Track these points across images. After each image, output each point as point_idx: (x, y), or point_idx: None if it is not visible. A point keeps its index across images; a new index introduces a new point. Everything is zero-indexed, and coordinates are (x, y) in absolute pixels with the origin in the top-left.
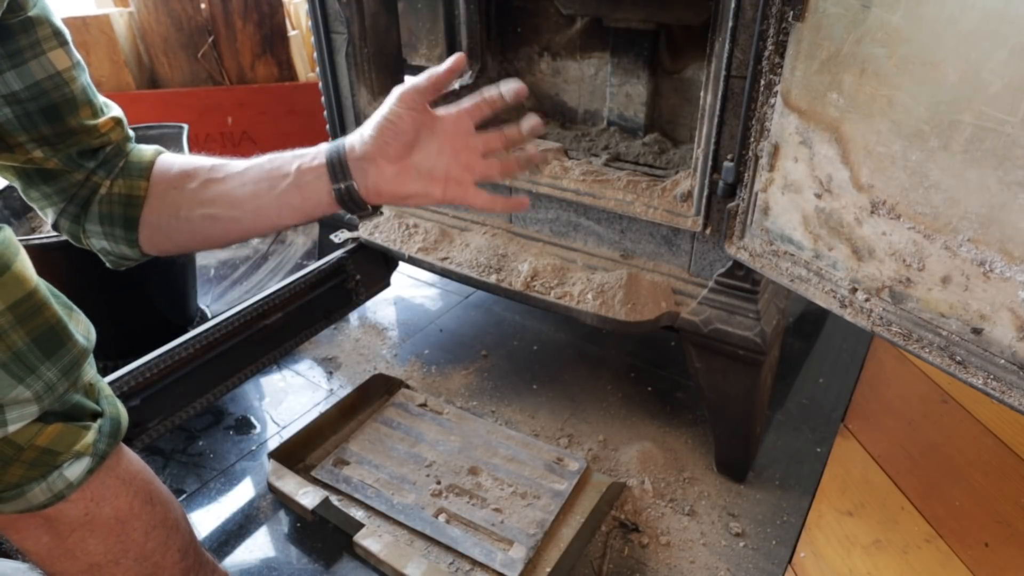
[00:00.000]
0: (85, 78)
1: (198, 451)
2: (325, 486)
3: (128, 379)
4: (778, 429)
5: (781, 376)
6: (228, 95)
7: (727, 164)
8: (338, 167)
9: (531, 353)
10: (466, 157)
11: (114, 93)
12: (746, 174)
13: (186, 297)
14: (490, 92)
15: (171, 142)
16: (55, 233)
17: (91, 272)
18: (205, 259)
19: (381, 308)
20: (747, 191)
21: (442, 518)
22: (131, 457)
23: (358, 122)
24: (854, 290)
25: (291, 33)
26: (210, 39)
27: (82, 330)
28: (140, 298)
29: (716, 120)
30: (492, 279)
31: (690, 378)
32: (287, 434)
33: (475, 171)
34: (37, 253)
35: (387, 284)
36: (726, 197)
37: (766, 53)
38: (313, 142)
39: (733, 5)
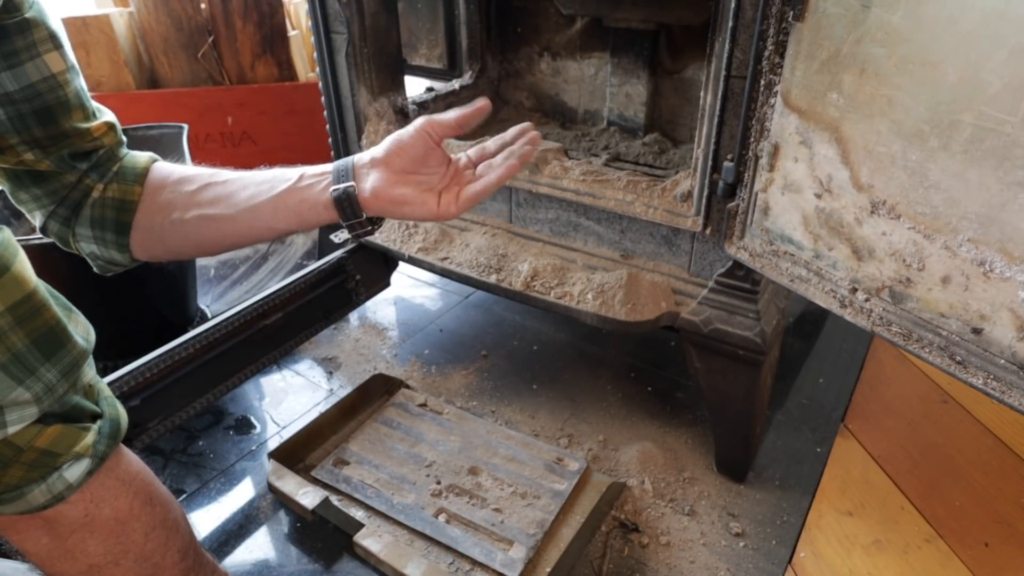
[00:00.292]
0: (79, 82)
1: (198, 451)
2: (325, 486)
3: (128, 379)
4: (778, 429)
5: (781, 376)
6: (228, 95)
7: (727, 164)
8: (343, 172)
9: (531, 353)
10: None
11: (114, 93)
12: (746, 174)
13: (186, 297)
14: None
15: (171, 142)
16: None
17: (90, 273)
18: (205, 259)
19: (381, 308)
20: (747, 191)
21: (442, 518)
22: (131, 458)
23: (358, 122)
24: (854, 290)
25: (291, 33)
26: (210, 39)
27: (81, 331)
28: (140, 298)
29: (716, 120)
30: (492, 279)
31: (690, 378)
32: (287, 434)
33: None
34: (36, 254)
35: (387, 284)
36: (726, 197)
37: (766, 53)
38: (313, 142)
39: (733, 5)
